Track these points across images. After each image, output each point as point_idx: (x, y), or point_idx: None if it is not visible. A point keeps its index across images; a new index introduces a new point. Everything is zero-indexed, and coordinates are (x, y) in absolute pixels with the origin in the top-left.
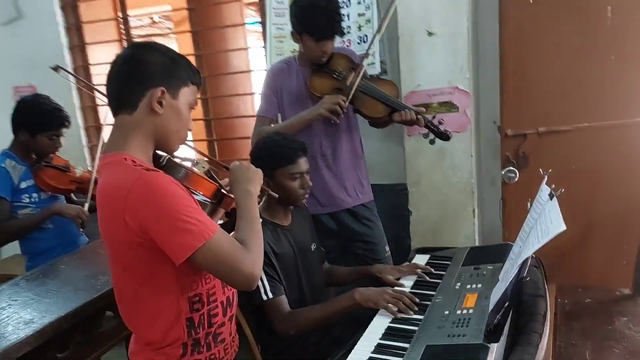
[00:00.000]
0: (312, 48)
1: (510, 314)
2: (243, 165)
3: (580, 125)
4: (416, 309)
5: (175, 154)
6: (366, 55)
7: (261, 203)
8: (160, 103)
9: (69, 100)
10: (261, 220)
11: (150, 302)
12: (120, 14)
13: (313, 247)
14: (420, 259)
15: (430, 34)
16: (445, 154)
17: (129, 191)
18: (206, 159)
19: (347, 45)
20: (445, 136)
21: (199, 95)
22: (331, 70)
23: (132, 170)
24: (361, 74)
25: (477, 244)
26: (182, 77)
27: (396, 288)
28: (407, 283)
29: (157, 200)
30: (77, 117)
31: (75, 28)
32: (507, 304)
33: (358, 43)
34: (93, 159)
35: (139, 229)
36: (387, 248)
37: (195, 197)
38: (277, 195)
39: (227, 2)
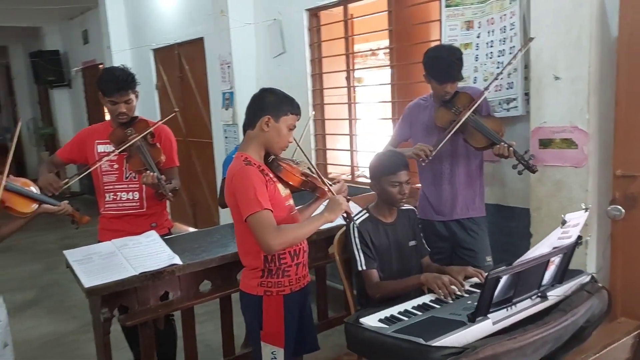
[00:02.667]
0: (437, 88)
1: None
2: (336, 200)
3: None
4: (454, 296)
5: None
6: (482, 94)
7: (373, 203)
8: (267, 124)
9: (306, 115)
10: (367, 214)
11: (246, 242)
12: (348, 51)
13: (411, 243)
14: None
15: (556, 78)
16: (563, 186)
17: (234, 175)
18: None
19: (498, 90)
20: (531, 170)
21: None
22: (452, 105)
23: (239, 163)
24: (471, 110)
25: (587, 271)
26: (284, 109)
27: (451, 279)
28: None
29: (242, 182)
30: (310, 127)
31: (317, 61)
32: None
33: (507, 88)
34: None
35: (235, 197)
36: (489, 258)
37: (286, 184)
38: (352, 221)
39: (425, 42)
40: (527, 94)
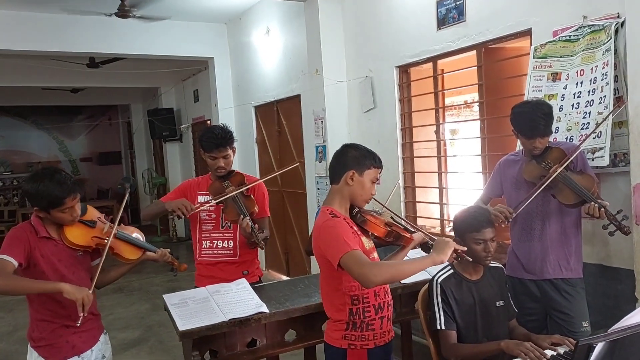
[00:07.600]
0: (525, 144)
1: None
2: (443, 240)
3: None
4: None
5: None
6: (576, 149)
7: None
8: (351, 179)
9: (395, 168)
10: (451, 271)
11: (331, 294)
12: (437, 105)
13: (498, 303)
14: None
15: None
16: None
17: (320, 228)
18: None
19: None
20: (624, 231)
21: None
22: (543, 160)
23: (325, 216)
24: (563, 166)
25: None
26: (366, 164)
27: (533, 346)
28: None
29: (330, 232)
30: (399, 178)
31: (407, 115)
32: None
33: (594, 137)
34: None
35: (323, 248)
36: (585, 323)
37: (370, 236)
38: (470, 259)
39: (515, 95)
40: (625, 154)
